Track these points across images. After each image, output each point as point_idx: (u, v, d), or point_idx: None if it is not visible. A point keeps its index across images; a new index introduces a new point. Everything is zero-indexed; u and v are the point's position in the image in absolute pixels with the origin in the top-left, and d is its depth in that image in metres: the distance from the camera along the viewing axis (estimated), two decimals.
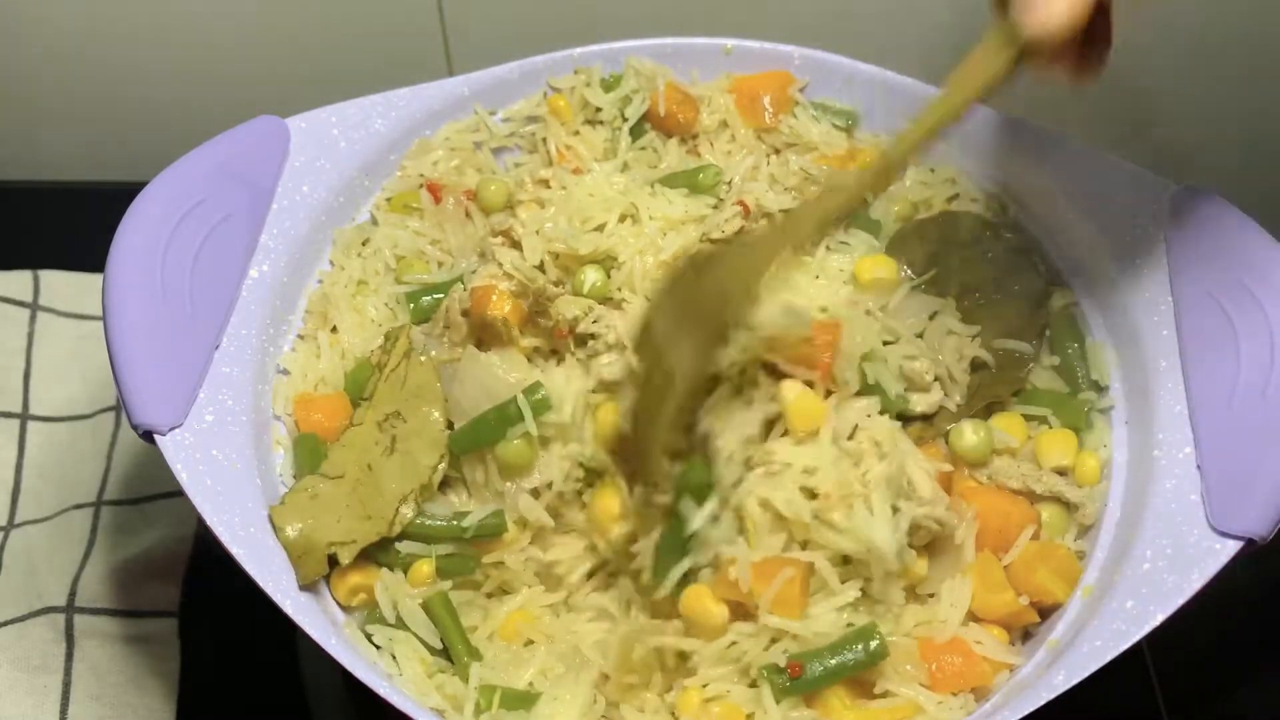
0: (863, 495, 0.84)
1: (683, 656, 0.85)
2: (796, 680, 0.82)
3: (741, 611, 0.85)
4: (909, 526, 0.85)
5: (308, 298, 1.01)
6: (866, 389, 0.92)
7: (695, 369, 0.84)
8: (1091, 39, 0.76)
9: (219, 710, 1.06)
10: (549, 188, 1.04)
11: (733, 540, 0.85)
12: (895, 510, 0.86)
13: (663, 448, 0.85)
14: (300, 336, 0.99)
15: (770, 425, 0.89)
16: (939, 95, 0.79)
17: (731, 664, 0.84)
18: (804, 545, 0.85)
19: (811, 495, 0.86)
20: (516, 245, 1.01)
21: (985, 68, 0.76)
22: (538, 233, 1.00)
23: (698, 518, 0.85)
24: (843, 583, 0.85)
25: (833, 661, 0.82)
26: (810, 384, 0.90)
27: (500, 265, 0.99)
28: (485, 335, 0.97)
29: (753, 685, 0.84)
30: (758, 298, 0.83)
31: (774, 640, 0.84)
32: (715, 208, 1.03)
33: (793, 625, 0.83)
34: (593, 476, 0.92)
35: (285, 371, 0.97)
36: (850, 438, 0.89)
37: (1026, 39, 0.72)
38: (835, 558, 0.85)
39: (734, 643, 0.84)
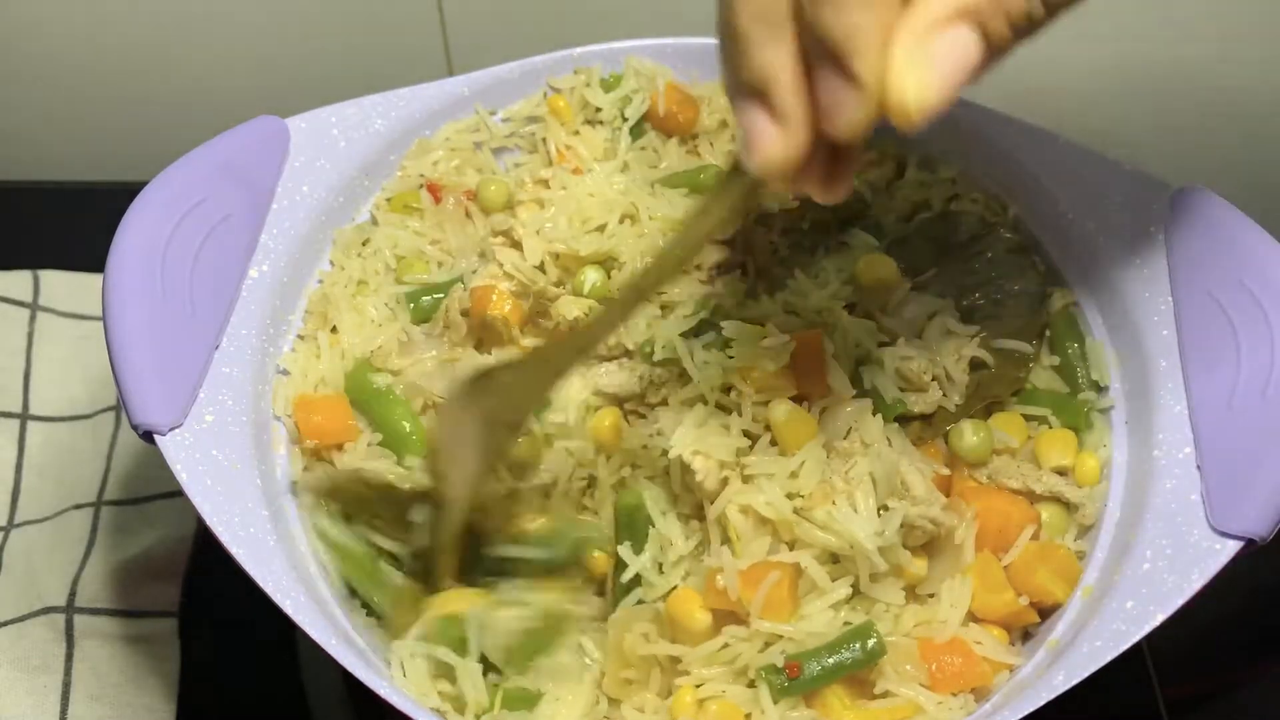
0: (845, 492, 0.85)
1: (674, 657, 0.85)
2: (795, 680, 0.82)
3: (734, 615, 0.85)
4: (903, 526, 0.85)
5: (308, 298, 1.01)
6: (862, 393, 0.92)
7: (470, 488, 0.86)
8: (841, 162, 0.75)
9: (219, 710, 1.06)
10: (549, 188, 1.05)
11: (717, 551, 0.86)
12: (886, 509, 0.86)
13: (451, 561, 0.88)
14: (300, 337, 0.99)
15: (754, 440, 0.90)
16: (683, 227, 0.79)
17: (724, 665, 0.84)
18: (791, 545, 0.86)
19: (796, 497, 0.86)
20: (517, 245, 1.01)
21: (724, 199, 0.76)
22: (538, 233, 1.00)
23: (636, 563, 0.86)
24: (833, 580, 0.85)
25: (830, 660, 0.82)
26: (801, 398, 0.90)
27: (500, 266, 0.99)
28: (485, 335, 0.98)
29: (750, 686, 0.84)
30: (528, 419, 0.87)
31: (769, 643, 0.84)
32: None
33: (785, 629, 0.83)
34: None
35: (285, 372, 0.97)
36: (845, 439, 0.89)
37: (755, 175, 0.71)
38: (823, 556, 0.85)
39: (726, 645, 0.84)
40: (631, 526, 0.88)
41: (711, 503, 0.87)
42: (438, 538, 0.88)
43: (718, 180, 0.78)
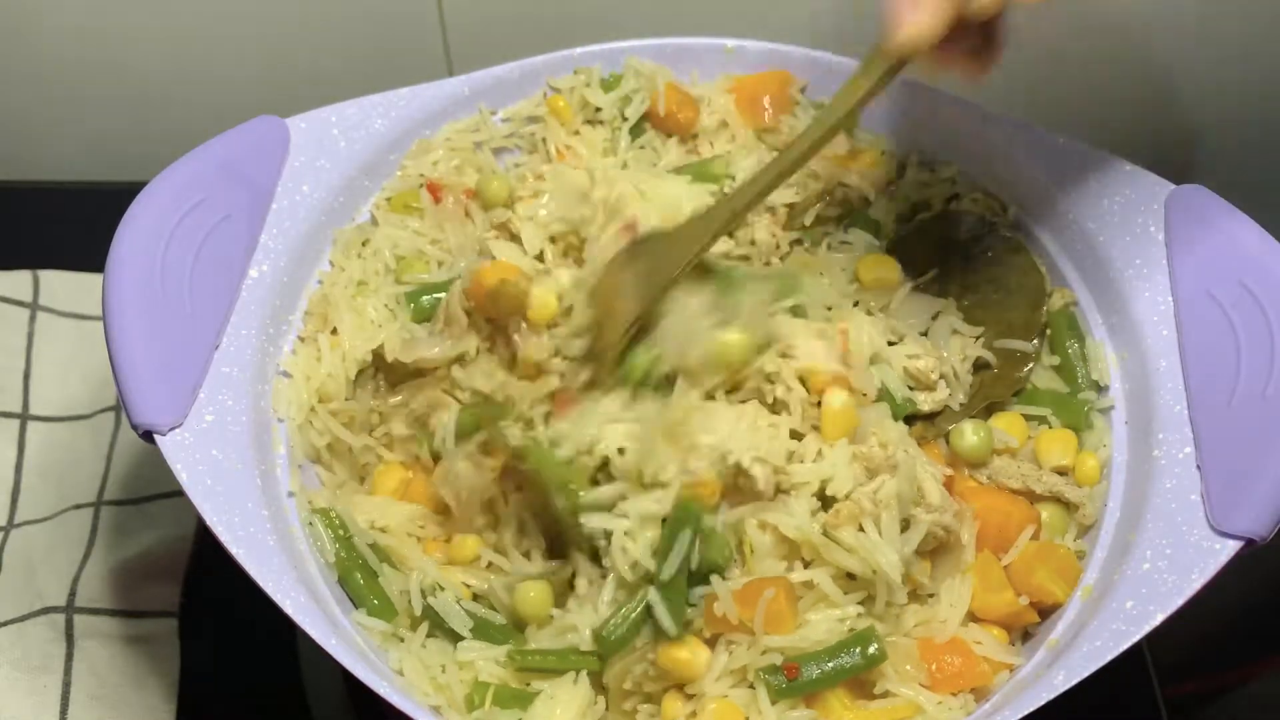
0: (873, 514, 0.84)
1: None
2: (793, 682, 0.82)
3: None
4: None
5: (308, 299, 1.00)
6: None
7: (622, 334, 0.91)
8: (987, 39, 0.84)
9: (219, 710, 1.06)
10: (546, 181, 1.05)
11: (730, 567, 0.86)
12: (909, 521, 0.85)
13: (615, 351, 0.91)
14: (301, 339, 0.99)
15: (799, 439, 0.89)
16: (830, 103, 0.88)
17: (724, 673, 0.84)
18: (808, 563, 0.85)
19: (823, 499, 0.86)
20: (514, 238, 1.00)
21: (864, 81, 0.85)
22: (532, 219, 1.00)
23: (664, 618, 0.83)
24: (846, 594, 0.85)
25: (830, 665, 0.82)
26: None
27: (494, 258, 0.99)
28: (497, 309, 0.95)
29: (750, 687, 0.84)
30: (677, 281, 0.91)
31: (768, 648, 0.83)
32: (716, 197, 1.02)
33: (789, 640, 0.83)
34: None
35: (287, 374, 0.97)
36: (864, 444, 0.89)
37: (896, 53, 0.81)
38: (839, 574, 0.85)
39: (727, 651, 0.84)
40: (700, 573, 0.86)
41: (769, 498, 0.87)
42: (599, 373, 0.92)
43: (864, 59, 0.85)
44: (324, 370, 0.97)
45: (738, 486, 0.87)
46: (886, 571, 0.83)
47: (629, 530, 0.85)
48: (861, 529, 0.84)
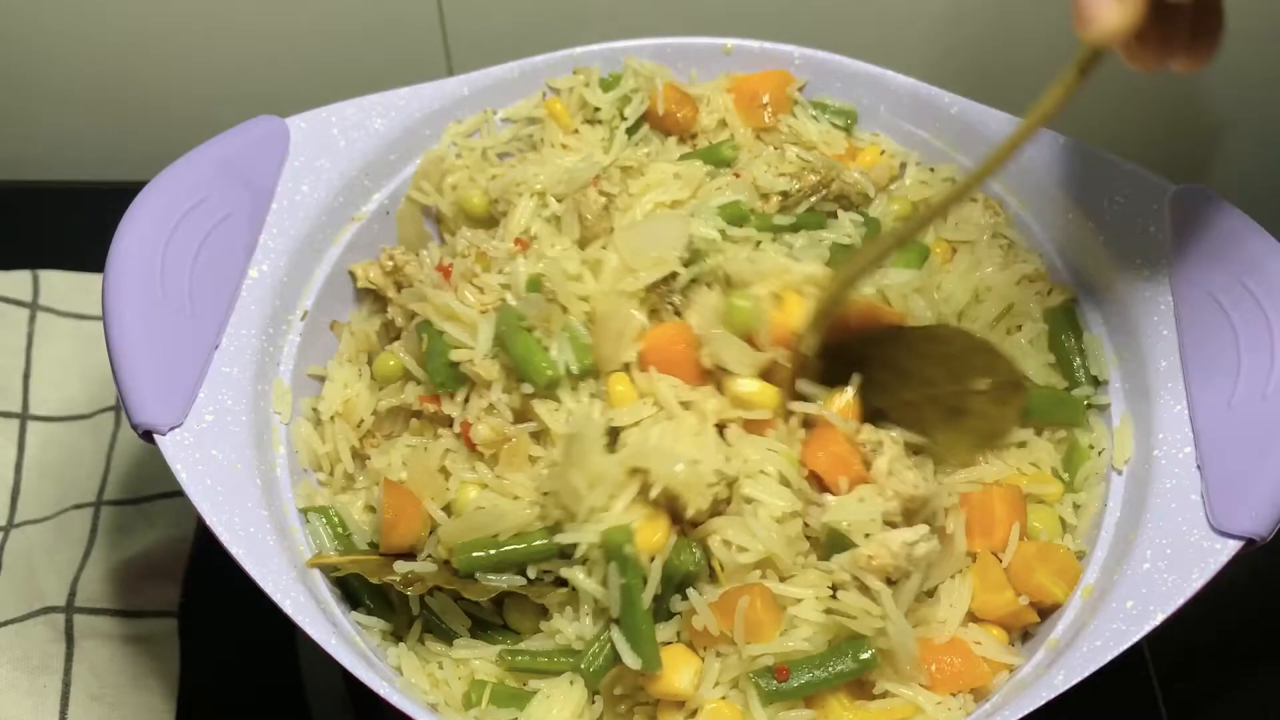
0: (902, 572, 0.82)
1: None
2: (783, 684, 0.82)
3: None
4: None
5: (344, 335, 1.02)
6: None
7: None
8: (1202, 21, 0.75)
9: (219, 710, 1.06)
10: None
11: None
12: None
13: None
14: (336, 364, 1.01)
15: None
16: (1027, 114, 0.78)
17: (718, 684, 0.83)
18: (782, 579, 0.84)
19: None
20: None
21: (1064, 79, 0.75)
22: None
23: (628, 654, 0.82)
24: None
25: (821, 671, 0.82)
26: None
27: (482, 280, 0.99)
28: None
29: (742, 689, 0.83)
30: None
31: (755, 655, 0.83)
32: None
33: (770, 648, 0.82)
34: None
35: (321, 379, 0.99)
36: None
37: (1091, 47, 0.72)
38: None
39: (719, 657, 0.83)
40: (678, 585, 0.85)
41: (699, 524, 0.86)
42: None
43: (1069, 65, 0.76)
44: (363, 384, 0.99)
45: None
46: (902, 646, 0.81)
47: (587, 558, 0.84)
48: (873, 588, 0.81)
